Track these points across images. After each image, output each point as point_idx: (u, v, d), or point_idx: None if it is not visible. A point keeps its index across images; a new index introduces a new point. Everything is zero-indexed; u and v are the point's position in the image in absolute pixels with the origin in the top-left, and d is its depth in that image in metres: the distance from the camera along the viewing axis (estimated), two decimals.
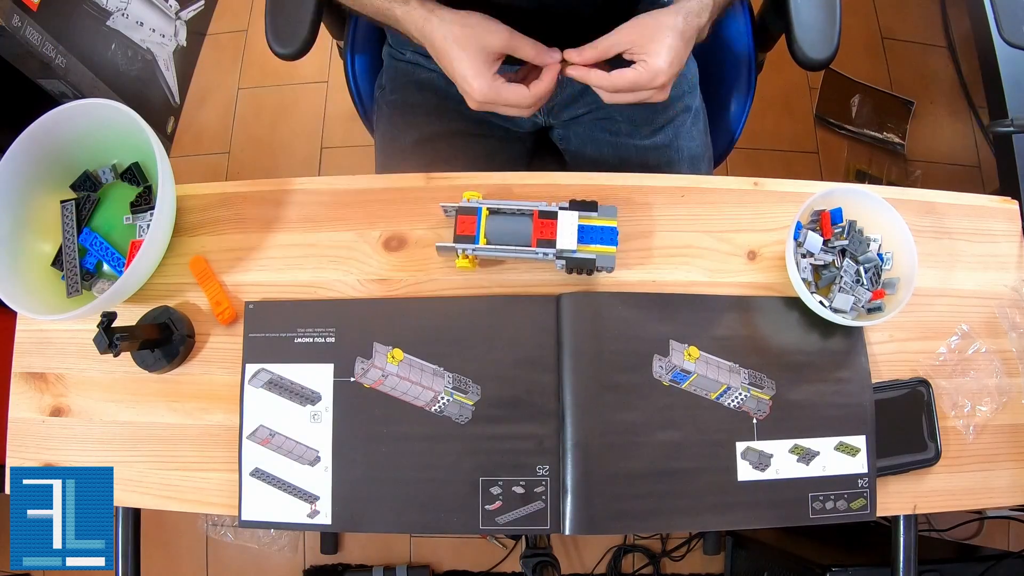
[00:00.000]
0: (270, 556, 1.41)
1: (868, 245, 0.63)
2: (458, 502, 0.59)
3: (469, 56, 0.60)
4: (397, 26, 0.65)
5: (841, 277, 0.62)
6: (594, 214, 0.61)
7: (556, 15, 0.71)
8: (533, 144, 0.92)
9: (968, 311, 0.66)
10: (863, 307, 0.62)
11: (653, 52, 0.60)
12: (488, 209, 0.61)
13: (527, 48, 0.62)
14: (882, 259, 0.63)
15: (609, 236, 0.61)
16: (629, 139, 0.83)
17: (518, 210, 0.61)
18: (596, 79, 0.62)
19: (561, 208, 0.61)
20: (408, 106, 0.85)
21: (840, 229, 0.64)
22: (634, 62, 0.61)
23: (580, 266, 0.61)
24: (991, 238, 0.68)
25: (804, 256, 0.63)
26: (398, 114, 0.86)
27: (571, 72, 0.63)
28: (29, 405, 0.65)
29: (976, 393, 0.64)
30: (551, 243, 0.60)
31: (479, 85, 0.60)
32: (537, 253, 0.60)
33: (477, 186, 0.66)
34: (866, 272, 0.62)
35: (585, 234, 0.60)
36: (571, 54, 0.62)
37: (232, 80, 1.68)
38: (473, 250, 0.61)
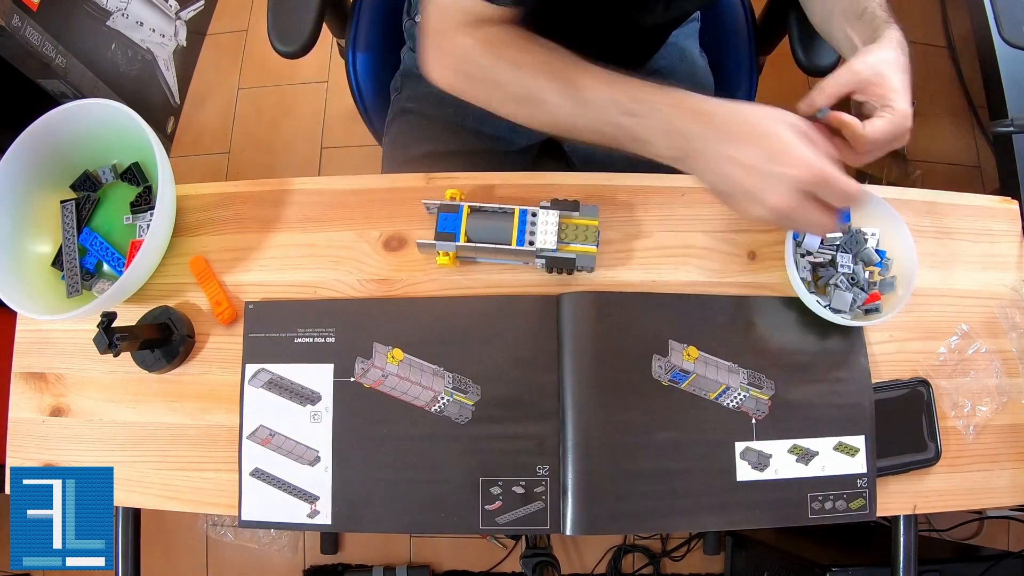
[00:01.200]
0: (270, 556, 1.41)
1: (866, 240, 0.63)
2: (458, 502, 0.59)
3: (788, 130, 0.49)
4: (637, 114, 0.52)
5: (837, 274, 0.62)
6: (575, 214, 0.61)
7: (633, 31, 0.70)
8: (539, 151, 0.92)
9: (968, 311, 0.66)
10: (860, 308, 0.62)
11: (892, 92, 0.53)
12: (470, 207, 0.61)
13: (827, 145, 0.52)
14: (882, 255, 0.63)
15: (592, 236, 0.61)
16: None
17: (499, 209, 0.61)
18: (855, 128, 0.53)
19: (542, 207, 0.61)
20: (425, 118, 0.84)
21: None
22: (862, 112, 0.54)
23: (560, 265, 0.61)
24: (991, 238, 0.68)
25: (803, 256, 0.63)
26: (413, 124, 0.86)
27: (831, 120, 0.55)
28: (29, 405, 0.65)
29: (976, 393, 0.64)
30: (531, 243, 0.59)
31: (810, 158, 0.48)
32: (516, 252, 0.60)
33: (477, 186, 0.66)
34: (864, 270, 0.62)
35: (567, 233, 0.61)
36: (805, 108, 0.55)
37: (232, 80, 1.68)
38: (454, 247, 0.61)
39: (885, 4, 0.59)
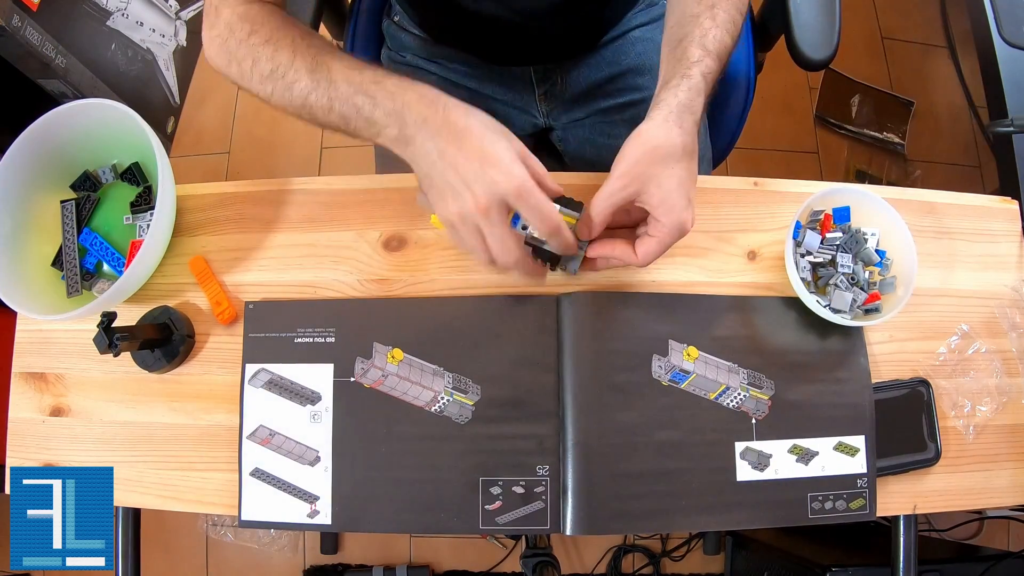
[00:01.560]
0: (270, 556, 1.41)
1: (866, 240, 0.63)
2: (458, 502, 0.59)
3: (506, 142, 0.50)
4: (370, 112, 0.52)
5: (837, 274, 0.62)
6: (576, 214, 0.58)
7: (524, 30, 0.69)
8: (533, 146, 0.92)
9: (968, 311, 0.66)
10: (860, 308, 0.62)
11: (665, 205, 0.52)
12: None
13: (546, 175, 0.53)
14: (882, 255, 0.63)
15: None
16: None
17: None
18: (625, 258, 0.55)
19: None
20: None
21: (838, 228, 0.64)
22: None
23: (543, 257, 0.58)
24: (991, 238, 0.68)
25: (803, 255, 0.63)
26: None
27: (595, 260, 0.57)
28: (29, 405, 0.65)
29: (976, 393, 0.64)
30: (524, 227, 0.57)
31: (520, 171, 0.49)
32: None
33: None
34: (864, 270, 0.62)
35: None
36: (582, 231, 0.55)
37: None
38: None
39: (716, 35, 0.55)
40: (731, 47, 0.57)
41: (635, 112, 0.82)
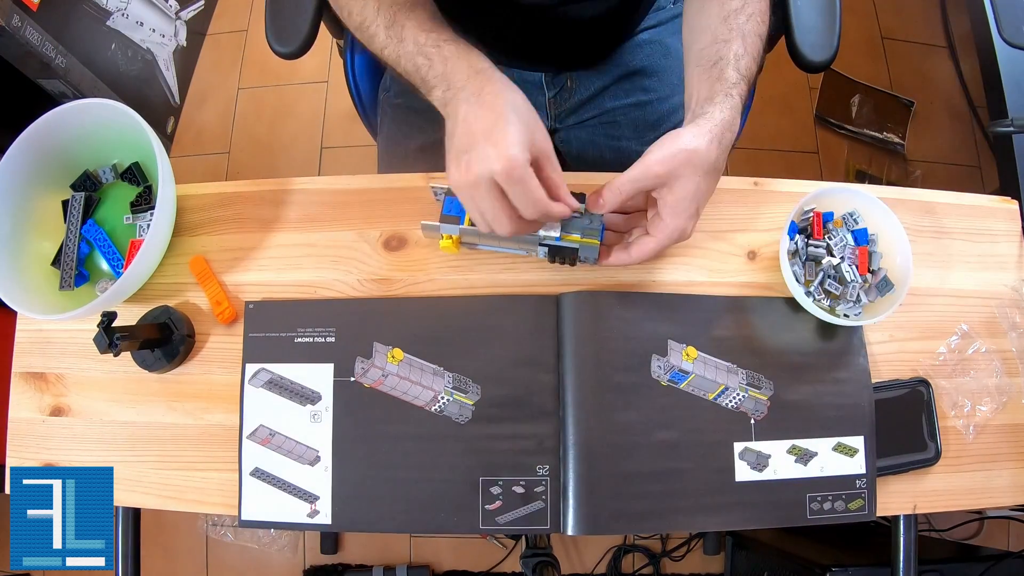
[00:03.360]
0: (270, 556, 1.41)
1: (848, 234, 0.63)
2: (458, 502, 0.59)
3: (520, 127, 0.50)
4: (426, 73, 0.56)
5: (822, 272, 0.61)
6: (580, 206, 0.59)
7: (564, 22, 0.70)
8: None
9: (968, 311, 0.66)
10: (852, 298, 0.61)
11: (676, 207, 0.53)
12: None
13: (555, 168, 0.54)
14: (861, 238, 0.62)
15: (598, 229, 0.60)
16: (630, 143, 0.83)
17: None
18: (621, 260, 0.58)
19: None
20: (413, 111, 0.85)
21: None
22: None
23: (563, 255, 0.60)
24: (991, 238, 0.68)
25: (792, 254, 0.63)
26: (403, 118, 0.86)
27: (604, 262, 0.59)
28: (29, 405, 0.65)
29: (976, 393, 0.64)
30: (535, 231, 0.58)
31: (516, 155, 0.49)
32: (519, 240, 0.59)
33: None
34: (847, 261, 0.62)
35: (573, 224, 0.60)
36: (593, 201, 0.56)
37: (232, 80, 1.68)
38: (458, 231, 0.60)
39: (747, 62, 0.56)
40: (756, 76, 0.59)
41: (640, 114, 0.82)
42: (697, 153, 0.52)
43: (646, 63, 0.82)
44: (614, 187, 0.55)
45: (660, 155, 0.52)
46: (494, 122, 0.50)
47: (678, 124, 0.83)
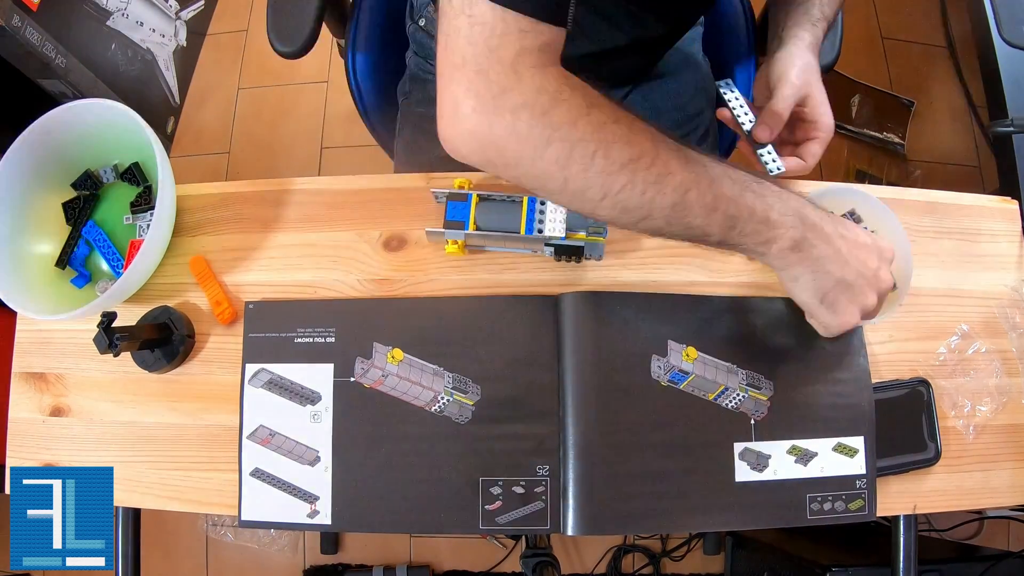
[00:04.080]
0: (270, 556, 1.41)
1: None
2: (458, 502, 0.59)
3: (872, 237, 0.56)
4: (765, 213, 0.48)
5: None
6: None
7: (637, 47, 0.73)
8: None
9: (968, 311, 0.66)
10: None
11: (818, 107, 0.62)
12: (478, 196, 0.61)
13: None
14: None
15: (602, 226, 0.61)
16: None
17: (508, 198, 0.61)
18: (800, 167, 0.63)
19: None
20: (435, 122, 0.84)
21: None
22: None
23: (569, 253, 0.61)
24: (991, 238, 0.68)
25: None
26: (426, 128, 0.85)
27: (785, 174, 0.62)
28: (29, 405, 0.65)
29: (976, 393, 0.64)
30: (540, 230, 0.60)
31: (889, 280, 0.56)
32: (526, 240, 0.60)
33: (480, 180, 0.66)
34: None
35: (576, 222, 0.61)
36: (761, 132, 0.61)
37: (232, 80, 1.68)
38: (463, 236, 0.61)
39: (830, 5, 0.64)
40: (833, 21, 0.67)
41: (656, 119, 0.84)
42: (810, 65, 0.62)
43: (668, 69, 0.84)
44: (780, 106, 0.60)
45: (795, 72, 0.60)
46: (875, 260, 0.55)
47: (688, 136, 0.84)
